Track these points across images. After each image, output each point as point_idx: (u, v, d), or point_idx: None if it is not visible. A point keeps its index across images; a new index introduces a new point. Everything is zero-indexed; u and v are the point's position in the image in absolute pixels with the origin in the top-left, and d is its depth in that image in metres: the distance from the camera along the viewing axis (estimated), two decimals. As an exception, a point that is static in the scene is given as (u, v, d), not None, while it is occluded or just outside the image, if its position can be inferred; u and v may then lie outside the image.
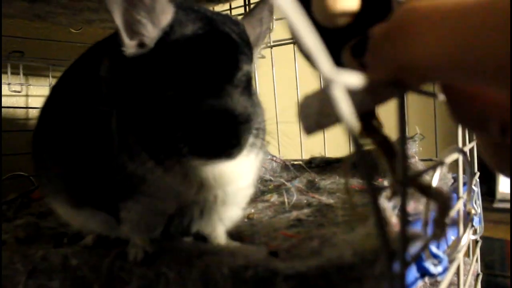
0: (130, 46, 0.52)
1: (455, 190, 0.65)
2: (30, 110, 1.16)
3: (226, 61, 0.51)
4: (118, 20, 0.50)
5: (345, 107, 0.23)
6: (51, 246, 0.68)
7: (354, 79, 0.24)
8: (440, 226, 0.34)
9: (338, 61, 0.30)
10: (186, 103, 0.49)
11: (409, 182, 0.33)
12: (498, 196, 2.23)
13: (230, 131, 0.48)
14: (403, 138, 0.29)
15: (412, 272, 0.46)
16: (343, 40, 0.30)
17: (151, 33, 0.51)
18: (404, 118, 0.29)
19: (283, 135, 0.71)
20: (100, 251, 0.60)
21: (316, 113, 0.30)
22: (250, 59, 0.54)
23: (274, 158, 0.91)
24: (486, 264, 1.81)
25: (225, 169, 0.54)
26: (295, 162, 0.93)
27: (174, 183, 0.53)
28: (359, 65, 0.28)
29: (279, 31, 0.68)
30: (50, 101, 0.66)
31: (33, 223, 0.78)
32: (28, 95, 1.16)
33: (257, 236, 0.58)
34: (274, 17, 1.00)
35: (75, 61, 0.66)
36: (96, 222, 0.60)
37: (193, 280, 0.47)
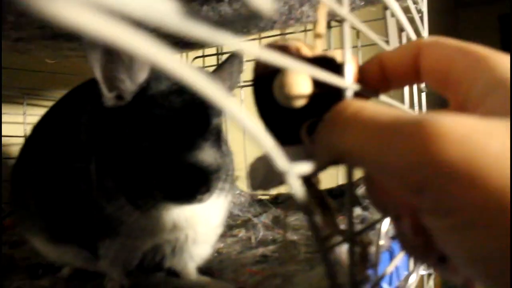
0: (109, 97, 0.56)
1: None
2: (2, 137, 1.17)
3: (198, 117, 0.55)
4: (98, 74, 0.54)
5: (300, 191, 0.28)
6: (26, 277, 0.70)
7: (304, 168, 0.29)
8: (361, 268, 0.40)
9: (297, 135, 0.35)
10: (161, 154, 0.53)
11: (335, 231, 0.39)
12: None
13: (200, 180, 0.53)
14: (351, 199, 0.35)
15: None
16: (301, 118, 0.35)
17: (128, 87, 0.55)
18: (352, 189, 0.35)
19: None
20: (77, 283, 0.63)
21: (261, 177, 0.36)
22: (219, 113, 0.59)
23: (242, 193, 0.96)
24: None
25: (196, 211, 0.59)
26: (263, 197, 0.98)
27: (150, 224, 0.57)
28: (313, 142, 0.33)
29: (249, 72, 0.73)
30: (32, 139, 0.70)
31: (7, 254, 0.79)
32: (3, 122, 1.17)
33: (226, 271, 0.63)
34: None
35: (58, 101, 0.70)
36: (73, 256, 0.63)
37: (167, 315, 0.51)
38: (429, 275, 0.84)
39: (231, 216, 0.86)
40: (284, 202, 0.94)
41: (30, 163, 0.66)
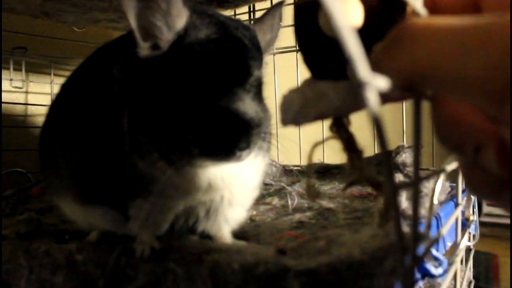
0: (144, 48, 0.53)
1: (453, 197, 0.67)
2: (29, 107, 1.16)
3: (239, 66, 0.52)
4: (133, 22, 0.51)
5: (377, 107, 0.24)
6: (54, 242, 0.68)
7: (384, 83, 0.26)
8: (385, 217, 0.37)
9: (345, 69, 0.32)
10: (199, 106, 0.50)
11: (362, 176, 0.36)
12: (484, 210, 2.27)
13: (241, 135, 0.50)
14: (417, 144, 0.31)
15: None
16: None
17: (165, 36, 0.52)
18: (419, 124, 0.31)
19: (284, 140, 0.72)
20: (105, 247, 0.60)
21: (295, 111, 0.33)
22: (260, 65, 0.56)
23: (274, 163, 0.93)
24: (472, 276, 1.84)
25: (233, 170, 0.56)
26: (295, 168, 0.95)
27: (184, 183, 0.54)
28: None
29: (282, 39, 0.70)
30: (60, 99, 0.67)
31: (35, 219, 0.78)
32: (28, 92, 1.16)
33: (262, 236, 0.60)
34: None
35: (86, 59, 0.67)
36: (102, 219, 0.60)
37: (202, 277, 0.48)
38: (469, 250, 0.80)
39: (262, 185, 0.83)
40: (318, 171, 0.90)
41: (58, 122, 0.64)
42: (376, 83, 0.24)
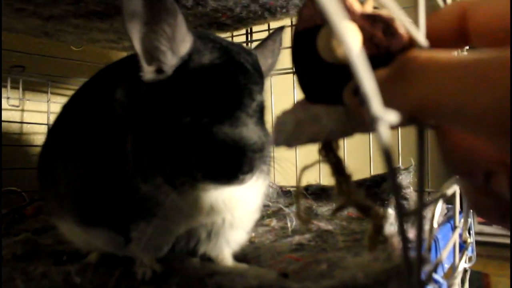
0: (148, 71, 0.53)
1: (450, 219, 0.68)
2: (24, 125, 1.16)
3: (242, 91, 0.52)
4: (138, 46, 0.52)
5: (388, 140, 0.25)
6: (51, 263, 0.67)
7: (394, 117, 0.27)
8: (374, 241, 0.37)
9: (340, 94, 0.32)
10: (202, 130, 0.50)
11: (349, 200, 0.37)
12: (475, 229, 2.29)
13: (244, 159, 0.50)
14: (421, 170, 0.32)
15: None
16: (345, 76, 0.32)
17: (170, 60, 0.53)
18: (423, 151, 0.31)
19: (281, 161, 0.73)
20: (105, 270, 0.60)
21: (288, 133, 0.34)
22: (262, 89, 0.56)
23: (271, 184, 0.93)
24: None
25: (235, 193, 0.56)
26: (291, 189, 0.95)
27: (186, 206, 0.54)
28: (358, 103, 0.31)
29: (279, 60, 0.71)
30: (61, 120, 0.67)
31: (31, 239, 0.77)
32: (24, 110, 1.16)
33: (263, 258, 0.60)
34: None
35: (88, 81, 0.67)
36: (102, 240, 0.60)
37: (205, 300, 0.48)
38: (466, 271, 0.81)
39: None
40: (315, 193, 0.90)
41: (59, 143, 0.64)
42: (388, 118, 0.25)
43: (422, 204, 0.33)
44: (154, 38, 0.52)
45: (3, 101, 1.07)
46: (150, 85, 0.53)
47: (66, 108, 0.68)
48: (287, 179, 1.01)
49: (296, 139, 0.33)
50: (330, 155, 0.38)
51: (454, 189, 0.51)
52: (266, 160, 0.56)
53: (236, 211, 0.58)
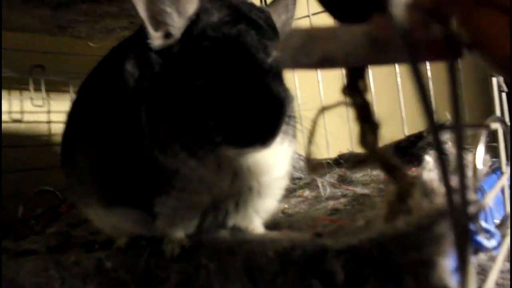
0: (156, 37, 0.52)
1: (496, 171, 0.63)
2: (52, 125, 1.16)
3: (255, 46, 0.50)
4: (143, 12, 0.50)
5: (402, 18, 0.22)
6: (83, 252, 0.67)
7: None
8: (394, 210, 0.33)
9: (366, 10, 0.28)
10: (217, 92, 0.48)
11: (373, 154, 0.32)
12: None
13: (264, 117, 0.47)
14: (456, 104, 0.28)
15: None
16: None
17: (177, 22, 0.51)
18: (456, 84, 0.28)
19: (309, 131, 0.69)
20: (134, 252, 0.59)
21: (296, 47, 0.29)
22: (277, 45, 0.53)
23: (301, 157, 0.90)
24: None
25: (259, 158, 0.53)
26: (323, 160, 0.92)
27: (208, 174, 0.52)
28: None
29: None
30: (77, 102, 0.66)
31: (64, 232, 0.78)
32: (50, 111, 1.16)
33: (297, 225, 0.56)
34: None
35: (101, 60, 0.66)
36: (129, 221, 0.58)
37: (235, 269, 0.45)
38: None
39: (292, 179, 0.81)
40: (348, 161, 0.86)
41: (77, 125, 0.63)
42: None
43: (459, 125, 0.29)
44: (159, 1, 0.50)
45: (28, 102, 1.08)
46: (159, 51, 0.52)
47: (81, 90, 0.67)
48: (320, 151, 0.97)
49: (306, 55, 0.28)
50: (356, 94, 0.35)
51: (496, 125, 0.46)
52: (290, 120, 0.52)
53: (262, 177, 0.55)
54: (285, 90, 0.51)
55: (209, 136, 0.48)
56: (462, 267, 0.27)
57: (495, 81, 0.53)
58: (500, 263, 0.39)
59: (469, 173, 0.46)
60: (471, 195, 0.42)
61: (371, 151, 0.35)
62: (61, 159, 0.68)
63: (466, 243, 0.27)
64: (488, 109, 0.58)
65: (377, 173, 0.72)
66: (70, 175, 0.65)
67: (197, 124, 0.49)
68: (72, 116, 0.66)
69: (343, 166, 0.83)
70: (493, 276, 0.37)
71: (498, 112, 0.53)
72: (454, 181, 0.31)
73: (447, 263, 0.31)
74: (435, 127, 0.27)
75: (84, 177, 0.60)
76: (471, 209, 0.35)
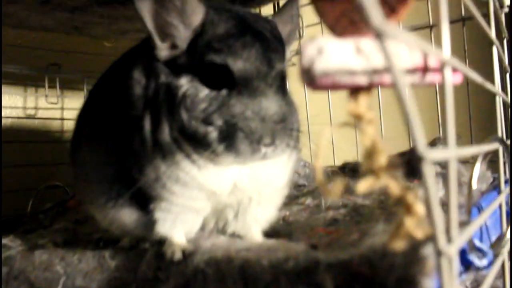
0: (162, 48, 0.53)
1: (496, 188, 0.63)
2: (65, 122, 1.19)
3: (260, 59, 0.51)
4: (149, 24, 0.52)
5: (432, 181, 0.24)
6: (88, 249, 0.68)
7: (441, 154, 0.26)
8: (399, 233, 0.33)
9: None
10: (220, 102, 0.50)
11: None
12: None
13: (264, 132, 0.49)
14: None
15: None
16: None
17: (183, 34, 0.52)
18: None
19: (317, 139, 0.70)
20: (137, 252, 0.60)
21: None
22: (283, 57, 0.54)
23: (307, 164, 0.91)
24: None
25: (259, 170, 0.54)
26: (328, 168, 0.92)
27: (208, 183, 0.53)
28: None
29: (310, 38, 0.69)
30: (86, 105, 0.68)
31: (71, 229, 0.79)
32: (64, 108, 1.19)
33: (295, 235, 0.57)
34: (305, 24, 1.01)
35: (110, 66, 0.68)
36: (133, 222, 0.60)
37: (232, 275, 0.46)
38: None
39: (296, 186, 0.81)
40: (352, 170, 0.87)
41: (86, 126, 0.65)
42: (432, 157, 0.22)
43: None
44: (165, 13, 0.51)
45: (42, 99, 1.10)
46: (165, 62, 0.53)
47: (91, 93, 0.69)
48: (325, 159, 0.98)
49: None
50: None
51: (496, 147, 0.47)
52: (291, 132, 0.53)
53: (263, 188, 0.56)
54: (288, 103, 0.52)
55: (211, 146, 0.50)
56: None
57: (498, 100, 0.53)
58: (490, 281, 0.39)
59: (465, 191, 0.46)
60: (463, 216, 0.43)
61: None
62: (70, 159, 0.70)
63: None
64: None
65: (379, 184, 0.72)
66: (78, 175, 0.67)
67: (199, 133, 0.50)
68: (81, 118, 0.68)
69: (347, 175, 0.84)
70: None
71: (499, 132, 0.53)
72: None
73: (430, 284, 0.32)
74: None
75: (91, 178, 0.62)
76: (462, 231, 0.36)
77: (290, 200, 0.70)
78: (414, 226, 0.33)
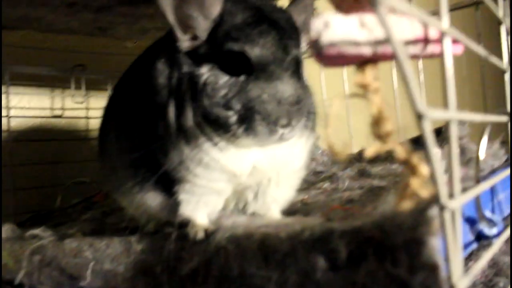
0: (184, 40, 0.56)
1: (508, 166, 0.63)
2: (90, 121, 1.23)
3: (276, 46, 0.54)
4: (171, 17, 0.55)
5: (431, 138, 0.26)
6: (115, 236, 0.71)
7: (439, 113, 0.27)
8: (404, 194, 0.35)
9: None
10: (239, 88, 0.53)
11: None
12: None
13: (281, 113, 0.51)
14: None
15: (466, 235, 0.46)
16: None
17: (202, 25, 0.55)
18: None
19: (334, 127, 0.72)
20: (162, 235, 0.63)
21: None
22: (298, 44, 0.57)
23: (325, 152, 0.92)
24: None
25: (278, 152, 0.57)
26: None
27: (229, 165, 0.56)
28: None
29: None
30: (113, 96, 0.72)
31: (98, 219, 0.83)
32: (89, 108, 1.23)
33: (312, 213, 0.59)
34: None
35: (136, 59, 0.71)
36: (157, 206, 0.63)
37: (251, 249, 0.48)
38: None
39: (314, 173, 0.83)
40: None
41: (113, 115, 0.68)
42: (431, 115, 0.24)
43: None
44: (185, 6, 0.54)
45: (69, 99, 1.15)
46: (187, 52, 0.57)
47: (116, 86, 0.72)
48: (344, 147, 0.99)
49: None
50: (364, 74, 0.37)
51: (502, 119, 0.48)
52: (309, 115, 0.56)
53: (281, 170, 0.59)
54: (304, 86, 0.55)
55: (231, 129, 0.53)
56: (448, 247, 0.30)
57: (507, 77, 0.54)
58: (497, 246, 0.40)
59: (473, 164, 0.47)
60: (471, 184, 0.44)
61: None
62: (98, 150, 0.73)
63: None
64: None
65: (395, 167, 0.74)
66: (106, 164, 0.70)
67: (220, 118, 0.53)
68: (108, 109, 0.72)
69: (364, 161, 0.85)
70: (488, 255, 0.39)
71: (508, 108, 0.54)
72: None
73: (436, 242, 0.33)
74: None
75: (118, 164, 0.65)
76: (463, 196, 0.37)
77: (308, 185, 0.72)
78: (419, 186, 0.34)
